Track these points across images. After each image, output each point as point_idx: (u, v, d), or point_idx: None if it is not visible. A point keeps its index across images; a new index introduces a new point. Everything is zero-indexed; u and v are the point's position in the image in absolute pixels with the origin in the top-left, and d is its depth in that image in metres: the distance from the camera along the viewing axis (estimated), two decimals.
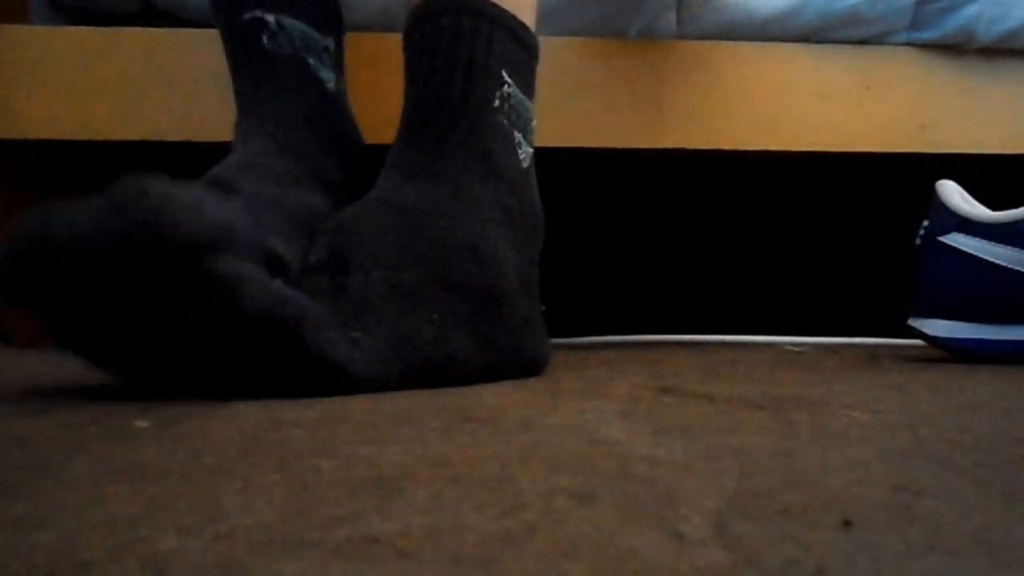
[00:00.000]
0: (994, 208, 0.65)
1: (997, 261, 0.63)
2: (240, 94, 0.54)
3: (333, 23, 0.56)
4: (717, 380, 0.48)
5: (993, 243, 0.63)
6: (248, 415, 0.34)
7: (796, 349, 0.77)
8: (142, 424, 0.32)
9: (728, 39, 0.74)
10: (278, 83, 0.52)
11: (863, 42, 0.75)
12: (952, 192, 0.66)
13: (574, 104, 0.73)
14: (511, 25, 0.49)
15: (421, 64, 0.48)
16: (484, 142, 0.48)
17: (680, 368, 0.56)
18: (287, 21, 0.52)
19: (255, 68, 0.52)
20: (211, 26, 0.72)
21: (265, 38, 0.52)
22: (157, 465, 0.25)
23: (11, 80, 0.69)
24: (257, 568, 0.16)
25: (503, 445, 0.28)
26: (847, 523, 0.19)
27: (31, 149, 0.75)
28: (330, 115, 0.53)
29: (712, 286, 1.04)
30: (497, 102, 0.49)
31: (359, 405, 0.37)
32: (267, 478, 0.24)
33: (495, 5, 0.49)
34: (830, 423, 0.34)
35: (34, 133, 0.70)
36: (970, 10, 0.72)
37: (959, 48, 0.74)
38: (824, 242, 1.03)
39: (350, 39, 0.63)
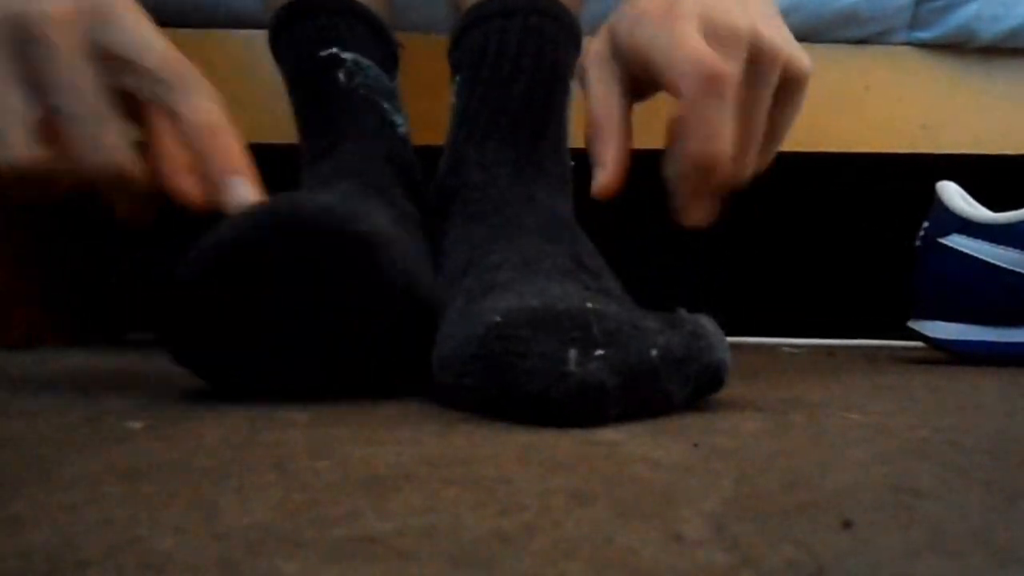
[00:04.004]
0: (995, 209, 0.65)
1: (998, 263, 0.63)
2: (310, 134, 0.51)
3: (393, 66, 0.54)
4: None
5: (994, 244, 0.63)
6: (242, 416, 0.34)
7: (795, 350, 0.77)
8: (135, 425, 0.32)
9: None
10: (356, 122, 0.50)
11: (862, 42, 0.75)
12: (953, 193, 0.66)
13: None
14: (577, 34, 0.51)
15: (502, 59, 0.48)
16: (562, 153, 0.50)
17: None
18: (363, 62, 0.50)
19: (331, 107, 0.50)
20: (222, 27, 0.72)
21: (342, 75, 0.50)
22: (152, 465, 0.25)
23: None
24: (254, 568, 0.16)
25: (500, 445, 0.28)
26: (847, 524, 0.19)
27: None
28: (404, 159, 0.51)
29: (710, 287, 1.04)
30: (568, 112, 0.50)
31: (354, 406, 0.37)
32: (263, 478, 0.23)
33: (568, 11, 0.50)
34: (829, 424, 0.34)
35: None
36: (970, 9, 0.72)
37: (959, 47, 0.74)
38: (824, 242, 1.03)
39: None
